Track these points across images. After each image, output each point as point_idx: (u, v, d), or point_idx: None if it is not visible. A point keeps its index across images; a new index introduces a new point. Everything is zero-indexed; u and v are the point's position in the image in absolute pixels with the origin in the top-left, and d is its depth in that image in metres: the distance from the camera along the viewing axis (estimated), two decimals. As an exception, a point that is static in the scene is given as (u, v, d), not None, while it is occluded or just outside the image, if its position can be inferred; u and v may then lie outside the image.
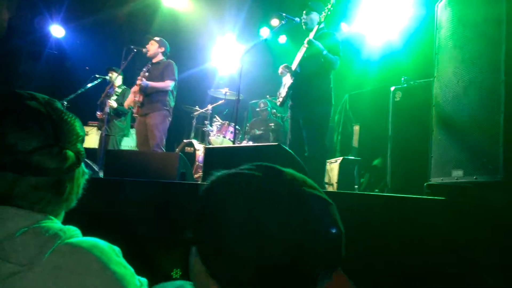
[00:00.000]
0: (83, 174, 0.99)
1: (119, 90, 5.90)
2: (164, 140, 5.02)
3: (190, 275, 0.66)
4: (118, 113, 5.81)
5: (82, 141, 0.96)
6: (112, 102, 5.65)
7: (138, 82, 4.98)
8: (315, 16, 4.18)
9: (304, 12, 4.24)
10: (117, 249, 0.90)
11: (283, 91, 4.30)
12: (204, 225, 0.61)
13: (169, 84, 5.05)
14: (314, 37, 4.08)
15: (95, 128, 6.83)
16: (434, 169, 2.28)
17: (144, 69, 5.07)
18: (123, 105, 5.80)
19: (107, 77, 6.04)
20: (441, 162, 2.22)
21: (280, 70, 4.31)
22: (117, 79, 5.87)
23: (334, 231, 0.59)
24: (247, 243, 0.55)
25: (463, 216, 1.79)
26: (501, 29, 1.94)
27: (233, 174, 0.64)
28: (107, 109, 5.48)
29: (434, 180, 2.26)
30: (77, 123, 0.96)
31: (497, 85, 1.92)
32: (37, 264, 0.77)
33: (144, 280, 0.92)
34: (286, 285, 0.55)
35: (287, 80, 4.25)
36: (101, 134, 5.72)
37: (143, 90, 5.01)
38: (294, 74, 4.16)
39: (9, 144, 0.83)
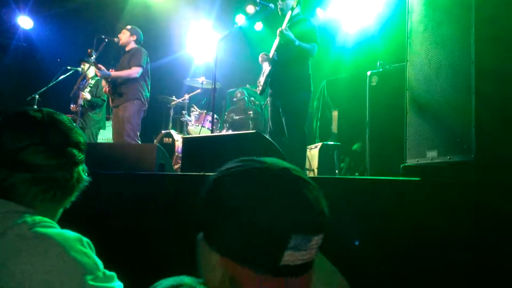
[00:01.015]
0: (78, 179, 1.06)
1: (93, 82, 5.76)
2: (137, 131, 4.87)
3: (197, 258, 0.77)
4: (92, 105, 5.67)
5: (77, 147, 1.05)
6: (86, 94, 5.50)
7: (97, 73, 4.84)
8: (291, 2, 4.14)
9: None
10: (85, 240, 0.94)
11: (262, 79, 4.29)
12: (214, 211, 0.72)
13: (134, 71, 4.80)
14: (289, 24, 4.05)
15: None
16: (409, 151, 2.32)
17: (92, 58, 4.88)
18: (97, 97, 5.67)
19: (79, 69, 5.88)
20: (416, 143, 2.26)
21: (260, 58, 4.29)
22: (89, 70, 5.71)
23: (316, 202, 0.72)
24: (249, 220, 0.68)
25: (437, 195, 1.83)
26: (470, 13, 1.96)
27: (240, 166, 0.75)
28: (80, 102, 5.34)
29: (410, 161, 2.30)
30: (73, 131, 1.05)
31: (468, 67, 1.95)
32: None
33: (112, 274, 0.95)
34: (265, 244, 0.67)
35: (266, 68, 4.24)
36: None
37: (111, 81, 4.87)
38: (272, 62, 4.14)
39: (2, 143, 0.96)
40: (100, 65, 4.84)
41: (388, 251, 1.87)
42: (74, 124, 1.09)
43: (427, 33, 2.26)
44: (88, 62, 5.69)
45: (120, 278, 0.98)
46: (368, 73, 4.14)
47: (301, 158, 4.05)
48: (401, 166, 2.33)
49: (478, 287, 1.65)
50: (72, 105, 5.72)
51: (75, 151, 1.04)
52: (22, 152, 0.95)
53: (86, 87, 5.64)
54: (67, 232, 0.92)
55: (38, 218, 0.92)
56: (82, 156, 1.07)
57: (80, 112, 5.34)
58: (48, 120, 1.01)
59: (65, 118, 1.07)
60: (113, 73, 4.84)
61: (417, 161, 2.22)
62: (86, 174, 1.11)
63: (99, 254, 0.96)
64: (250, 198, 0.69)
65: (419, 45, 2.33)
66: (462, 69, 1.99)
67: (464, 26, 2.01)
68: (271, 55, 4.16)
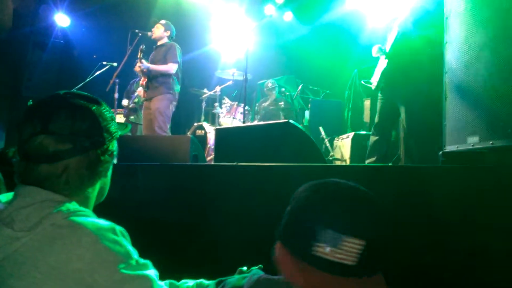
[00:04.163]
0: (93, 162, 0.99)
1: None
2: (168, 124, 4.95)
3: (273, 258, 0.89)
4: None
5: (75, 132, 0.95)
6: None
7: (138, 66, 4.95)
8: None
9: None
10: (118, 228, 0.94)
11: (376, 74, 4.06)
12: (291, 220, 0.87)
13: (171, 67, 4.93)
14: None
15: (121, 115, 6.85)
16: (449, 137, 2.24)
17: (139, 52, 5.00)
18: None
19: (115, 64, 6.02)
20: (455, 129, 2.19)
21: (373, 52, 4.02)
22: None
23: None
24: (297, 214, 0.86)
25: (480, 181, 1.76)
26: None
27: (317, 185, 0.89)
28: (134, 98, 5.53)
29: (449, 148, 2.22)
30: (90, 115, 0.98)
31: (510, 48, 1.86)
32: (34, 233, 0.86)
33: (146, 261, 0.94)
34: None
35: (381, 62, 4.01)
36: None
37: (146, 74, 4.97)
38: (387, 56, 3.87)
39: (20, 134, 0.96)
40: (142, 60, 4.98)
41: (426, 240, 1.82)
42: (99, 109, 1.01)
43: (468, 12, 2.17)
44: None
45: (156, 267, 0.98)
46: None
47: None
48: (440, 152, 2.27)
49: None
50: (124, 100, 5.96)
51: (75, 138, 0.96)
52: (30, 142, 0.93)
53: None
54: (101, 221, 0.93)
55: (73, 207, 0.93)
56: (100, 137, 1.00)
57: (134, 108, 5.50)
58: (57, 104, 0.97)
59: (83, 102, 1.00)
60: (152, 66, 4.93)
61: (457, 147, 2.15)
62: (113, 156, 1.06)
63: (135, 243, 0.96)
64: (308, 202, 0.84)
65: (458, 26, 2.24)
66: (505, 49, 1.90)
67: (505, 7, 1.92)
68: (387, 48, 3.87)
